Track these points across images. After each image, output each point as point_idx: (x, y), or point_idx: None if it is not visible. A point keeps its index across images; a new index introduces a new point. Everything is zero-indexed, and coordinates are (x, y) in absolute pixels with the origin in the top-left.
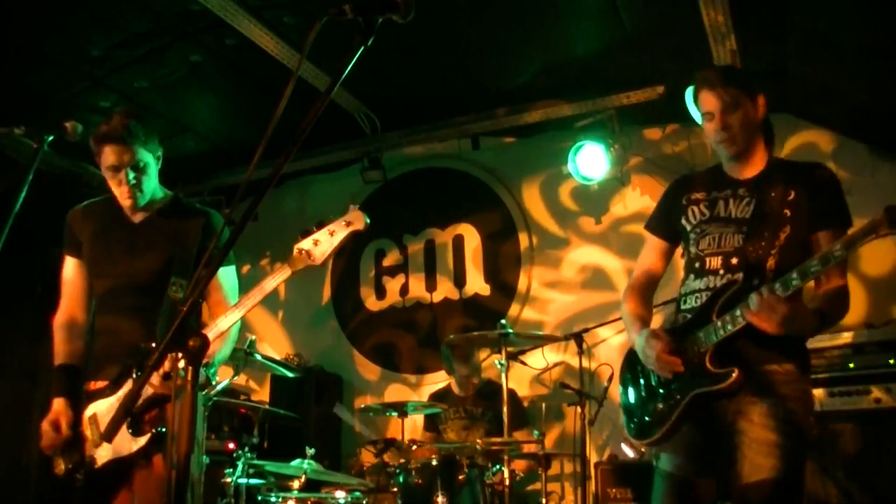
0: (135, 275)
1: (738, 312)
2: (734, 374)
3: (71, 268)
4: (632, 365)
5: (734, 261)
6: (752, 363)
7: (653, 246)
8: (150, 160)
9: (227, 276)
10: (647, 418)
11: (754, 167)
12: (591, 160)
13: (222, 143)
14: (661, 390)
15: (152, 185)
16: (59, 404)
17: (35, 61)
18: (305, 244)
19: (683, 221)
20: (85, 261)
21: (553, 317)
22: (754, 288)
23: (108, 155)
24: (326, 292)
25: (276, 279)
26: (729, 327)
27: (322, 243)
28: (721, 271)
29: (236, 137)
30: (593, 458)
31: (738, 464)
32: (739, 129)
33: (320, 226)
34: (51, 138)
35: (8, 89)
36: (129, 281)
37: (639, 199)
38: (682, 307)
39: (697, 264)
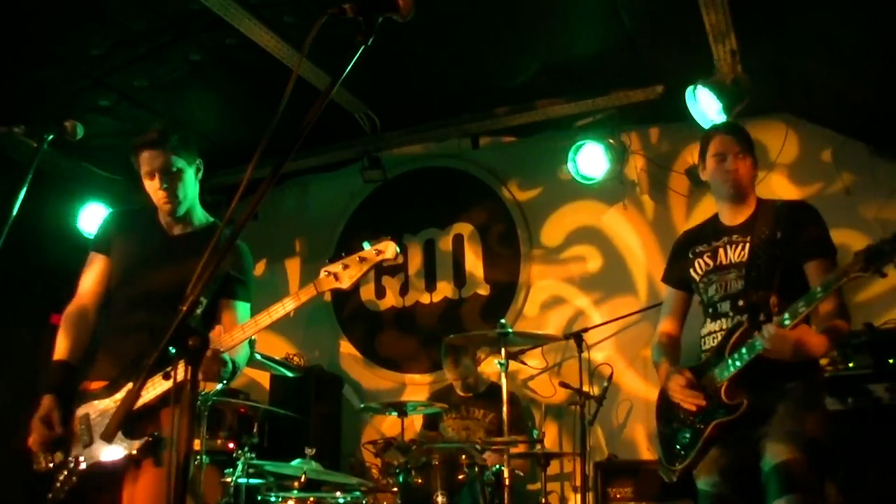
0: (154, 287)
1: (743, 350)
2: (743, 405)
3: (95, 264)
4: (666, 402)
5: (741, 303)
6: (764, 389)
7: (671, 296)
8: (186, 167)
9: (242, 310)
10: (677, 446)
11: (745, 212)
12: (590, 159)
13: (222, 143)
14: (688, 422)
15: (189, 195)
16: (48, 400)
17: (35, 60)
18: (334, 268)
19: (692, 273)
20: (111, 262)
21: (553, 316)
22: (759, 325)
23: (144, 161)
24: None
25: (301, 298)
26: (738, 363)
27: (350, 268)
28: (731, 313)
29: (236, 137)
30: (593, 457)
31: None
32: (744, 174)
33: (350, 252)
34: (51, 137)
35: (7, 88)
36: (146, 291)
37: (638, 198)
38: (703, 348)
39: (710, 310)
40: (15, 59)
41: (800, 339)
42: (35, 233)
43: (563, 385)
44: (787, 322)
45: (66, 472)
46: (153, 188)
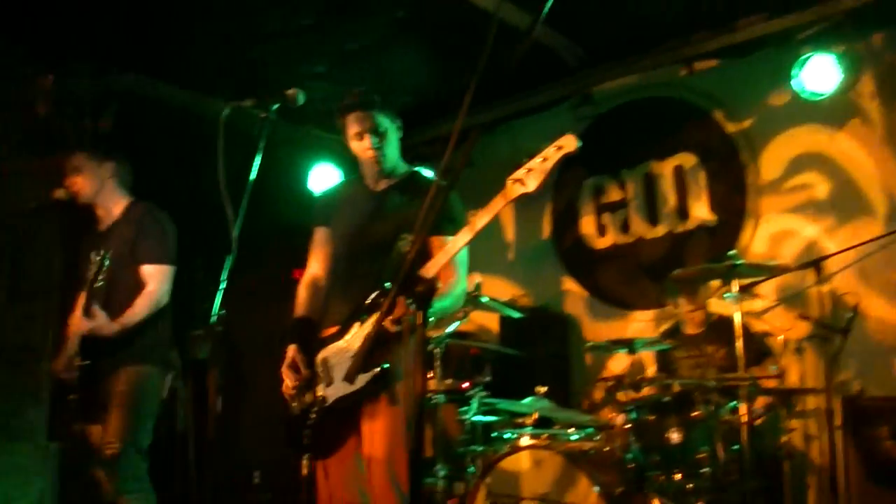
0: (372, 239)
1: None
2: None
3: (318, 236)
4: None
5: None
6: None
7: None
8: (390, 126)
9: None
10: None
11: None
12: (818, 73)
13: (432, 95)
14: None
15: (394, 153)
16: (292, 350)
17: (252, 36)
18: (518, 174)
19: None
20: (331, 231)
21: (787, 244)
22: None
23: (352, 123)
24: (547, 233)
25: (490, 212)
26: None
27: (535, 170)
28: None
29: (445, 88)
30: (840, 393)
31: None
32: None
33: (532, 156)
34: (276, 106)
35: (232, 66)
36: (366, 244)
37: (877, 109)
38: None
39: None
40: (236, 39)
41: None
42: (271, 195)
43: (803, 317)
44: None
45: (315, 412)
46: (362, 148)
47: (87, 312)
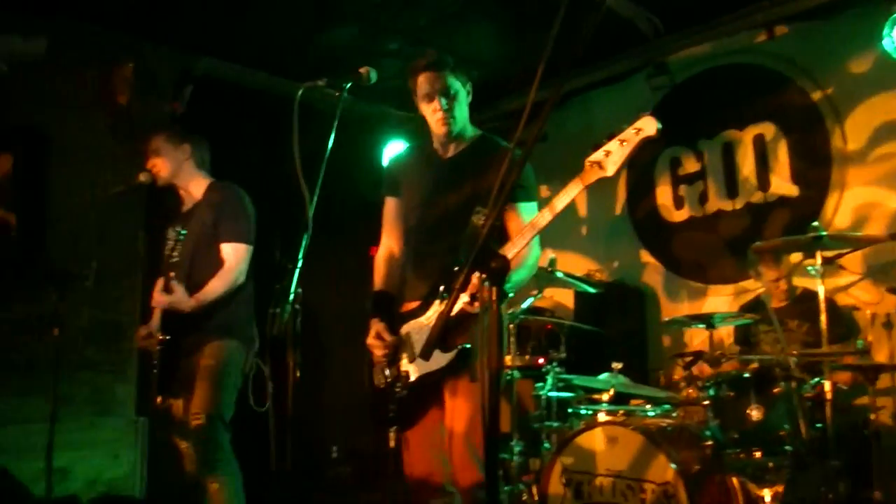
0: (443, 206)
1: None
2: None
3: (389, 207)
4: None
5: None
6: None
7: None
8: (460, 89)
9: (527, 210)
10: None
11: None
12: None
13: (504, 68)
14: None
15: (463, 116)
16: (374, 324)
17: (325, 16)
18: (596, 156)
19: None
20: (402, 199)
21: (874, 217)
22: None
23: (422, 84)
24: (622, 207)
25: (568, 195)
26: None
27: (613, 153)
28: None
29: (518, 60)
30: None
31: None
32: None
33: (610, 137)
34: (349, 85)
35: (306, 48)
36: (437, 212)
37: None
38: None
39: None
40: (309, 19)
41: None
42: (346, 173)
43: (891, 290)
44: None
45: (399, 386)
46: (431, 110)
47: (167, 288)
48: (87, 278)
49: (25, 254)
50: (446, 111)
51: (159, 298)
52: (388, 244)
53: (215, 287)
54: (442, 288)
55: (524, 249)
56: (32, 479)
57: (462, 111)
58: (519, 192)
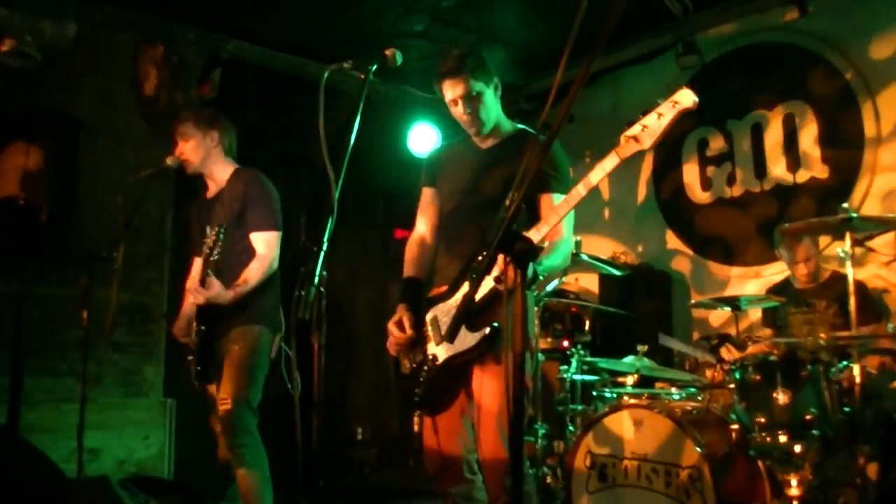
0: (478, 197)
1: None
2: None
3: (425, 196)
4: None
5: None
6: None
7: None
8: (484, 88)
9: (559, 199)
10: None
11: None
12: None
13: (532, 49)
14: None
15: (492, 114)
16: (400, 308)
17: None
18: (633, 130)
19: None
20: (438, 191)
21: None
22: None
23: (446, 90)
24: (648, 189)
25: (603, 169)
26: None
27: (650, 127)
28: None
29: (546, 41)
30: None
31: None
32: None
33: (646, 112)
34: (374, 67)
35: (332, 29)
36: (472, 203)
37: None
38: None
39: None
40: (334, 2)
41: None
42: (372, 155)
43: None
44: None
45: (426, 369)
46: (457, 114)
47: (204, 283)
48: (116, 261)
49: (55, 237)
50: (470, 115)
51: (199, 296)
52: (421, 230)
53: (252, 276)
54: (471, 270)
55: (558, 237)
56: (64, 459)
57: (488, 110)
58: (554, 183)
